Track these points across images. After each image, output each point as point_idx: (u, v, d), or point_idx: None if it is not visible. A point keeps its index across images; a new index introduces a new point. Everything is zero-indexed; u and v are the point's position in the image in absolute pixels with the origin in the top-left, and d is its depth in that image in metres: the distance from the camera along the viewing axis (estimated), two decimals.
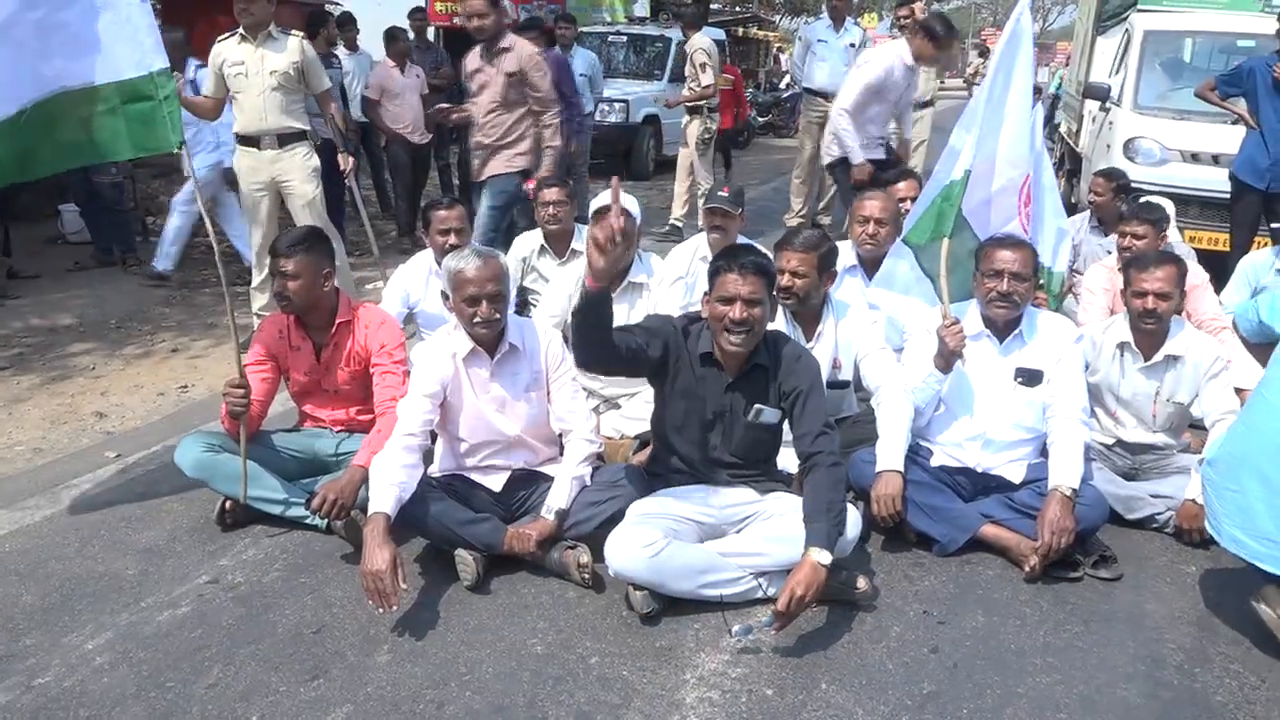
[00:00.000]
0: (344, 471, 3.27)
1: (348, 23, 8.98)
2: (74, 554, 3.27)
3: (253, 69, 5.25)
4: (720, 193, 4.46)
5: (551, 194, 4.66)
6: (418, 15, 9.81)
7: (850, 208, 4.61)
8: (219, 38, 5.36)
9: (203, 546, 3.32)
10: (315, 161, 5.52)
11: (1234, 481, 2.85)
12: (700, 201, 7.59)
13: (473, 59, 5.51)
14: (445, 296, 3.23)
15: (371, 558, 2.76)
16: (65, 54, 3.13)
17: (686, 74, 8.96)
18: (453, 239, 4.15)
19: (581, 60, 9.30)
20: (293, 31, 5.41)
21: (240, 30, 5.25)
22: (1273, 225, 5.35)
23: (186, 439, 3.47)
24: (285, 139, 5.39)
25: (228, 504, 3.41)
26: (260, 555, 3.27)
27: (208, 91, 5.43)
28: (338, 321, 3.51)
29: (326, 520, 3.31)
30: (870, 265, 4.18)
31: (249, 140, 5.41)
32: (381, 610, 2.79)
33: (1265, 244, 5.36)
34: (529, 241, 4.87)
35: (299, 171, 5.44)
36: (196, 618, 2.91)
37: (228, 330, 5.84)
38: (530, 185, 5.27)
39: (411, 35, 9.43)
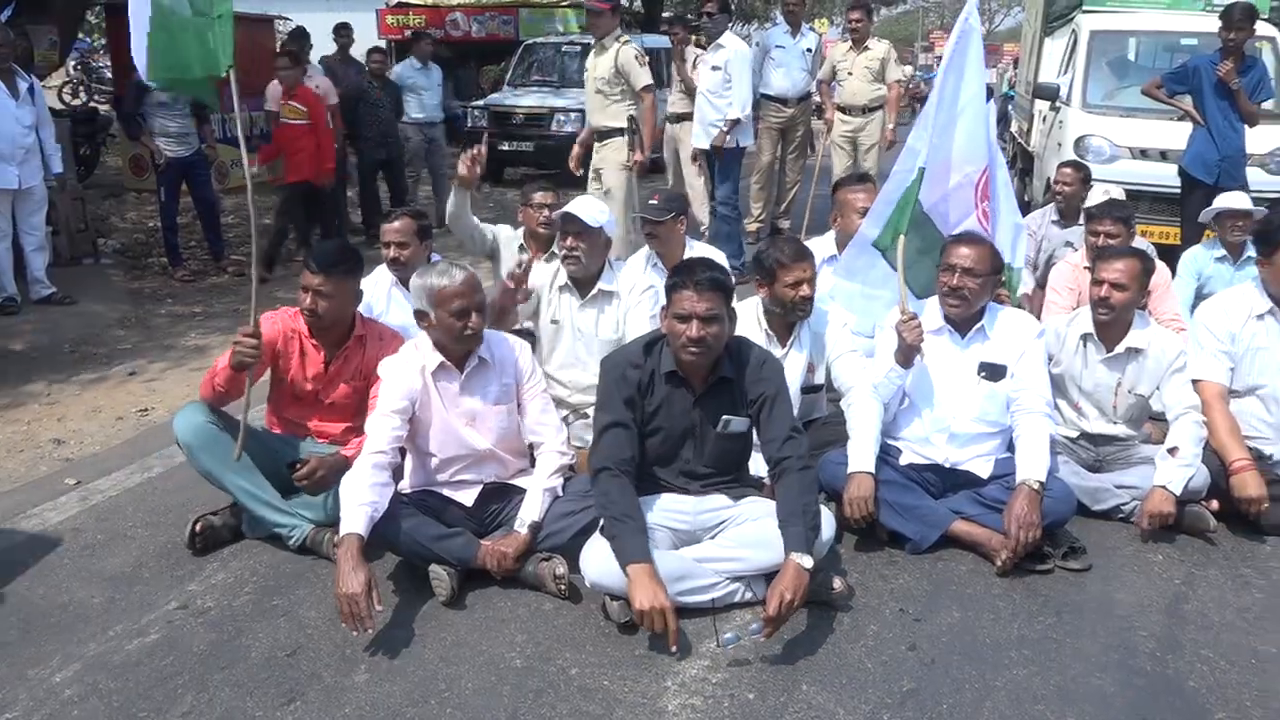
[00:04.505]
0: (330, 453, 3.31)
1: (300, 37, 8.89)
2: (36, 584, 3.19)
3: (586, 75, 6.60)
4: (651, 201, 4.50)
5: (546, 197, 4.62)
6: (344, 32, 9.69)
7: (836, 199, 4.64)
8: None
9: (170, 572, 3.26)
10: (623, 156, 6.40)
11: None
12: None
13: None
14: (422, 315, 3.16)
15: (346, 580, 2.73)
16: None
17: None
18: (393, 252, 4.13)
19: (437, 73, 9.94)
20: (622, 39, 6.47)
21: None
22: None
23: (191, 404, 3.38)
24: (603, 135, 6.50)
25: (199, 526, 3.34)
26: (230, 579, 3.22)
27: None
28: (354, 335, 3.49)
29: (303, 539, 3.31)
30: None
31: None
32: (357, 633, 2.76)
33: (1211, 236, 5.49)
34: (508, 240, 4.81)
35: (610, 163, 6.46)
36: (167, 645, 2.85)
37: (188, 351, 5.83)
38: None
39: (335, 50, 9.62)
